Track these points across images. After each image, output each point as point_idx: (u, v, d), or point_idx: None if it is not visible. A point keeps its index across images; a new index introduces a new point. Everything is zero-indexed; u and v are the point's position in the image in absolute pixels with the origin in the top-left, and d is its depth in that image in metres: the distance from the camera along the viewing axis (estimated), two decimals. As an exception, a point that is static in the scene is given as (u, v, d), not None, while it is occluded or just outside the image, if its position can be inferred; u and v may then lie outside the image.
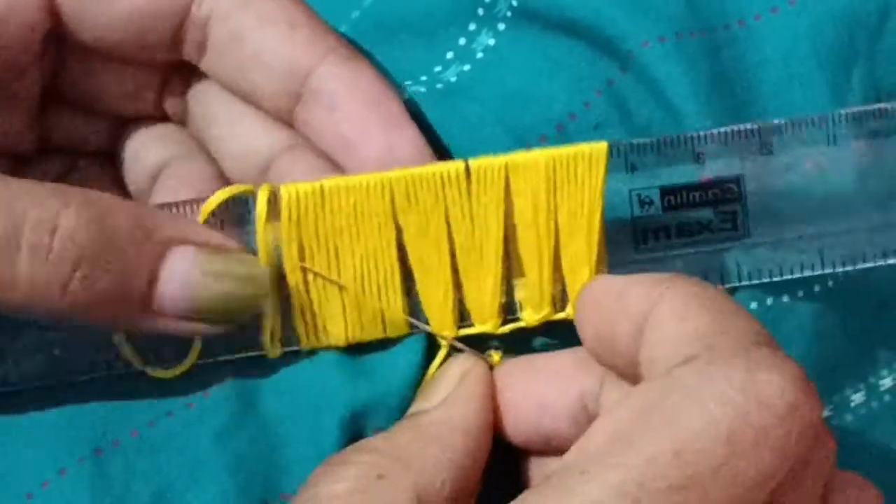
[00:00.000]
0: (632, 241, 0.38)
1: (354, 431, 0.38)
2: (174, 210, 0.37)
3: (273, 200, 0.37)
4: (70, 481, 0.37)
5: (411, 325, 0.38)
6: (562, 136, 0.39)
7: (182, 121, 0.40)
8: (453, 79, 0.41)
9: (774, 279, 0.38)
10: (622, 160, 0.37)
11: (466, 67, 0.41)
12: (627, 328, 0.34)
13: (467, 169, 0.37)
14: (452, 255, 0.38)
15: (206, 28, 0.38)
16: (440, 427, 0.36)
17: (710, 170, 0.37)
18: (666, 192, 0.38)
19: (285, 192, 0.37)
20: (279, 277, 0.38)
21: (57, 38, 0.38)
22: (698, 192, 0.37)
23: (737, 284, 0.38)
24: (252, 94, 0.39)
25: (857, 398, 0.43)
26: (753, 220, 0.38)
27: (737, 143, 0.37)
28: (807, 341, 0.41)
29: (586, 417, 0.36)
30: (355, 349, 0.39)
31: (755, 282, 0.38)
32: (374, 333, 0.38)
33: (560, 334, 0.39)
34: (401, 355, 0.38)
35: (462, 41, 0.41)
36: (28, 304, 0.35)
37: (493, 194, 0.37)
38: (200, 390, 0.38)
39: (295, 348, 0.38)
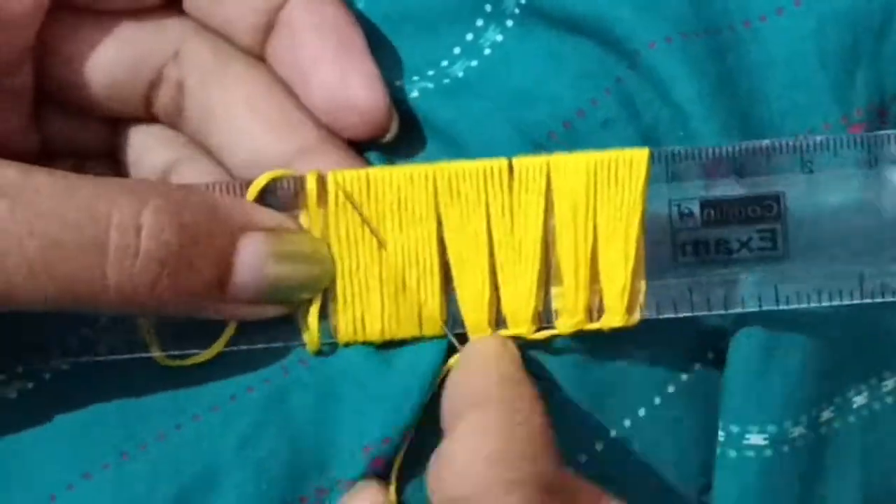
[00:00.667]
0: (671, 252, 0.38)
1: (384, 431, 0.38)
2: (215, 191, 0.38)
3: (318, 187, 0.38)
4: (94, 485, 0.37)
5: (446, 327, 0.39)
6: (570, 133, 0.40)
7: (172, 123, 0.41)
8: (460, 74, 0.42)
9: (813, 305, 0.38)
10: (664, 168, 0.38)
11: (474, 63, 0.42)
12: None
13: (510, 167, 0.38)
14: (491, 254, 0.38)
15: None
16: None
17: (751, 185, 0.38)
18: (706, 204, 0.38)
19: (332, 177, 0.38)
20: None
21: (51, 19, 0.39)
22: (738, 207, 0.38)
23: (774, 308, 0.38)
24: (226, 29, 0.40)
25: (860, 400, 0.42)
26: (793, 241, 0.38)
27: (778, 159, 0.38)
28: (813, 343, 0.40)
29: None
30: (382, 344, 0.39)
31: (795, 307, 0.38)
32: (410, 330, 0.39)
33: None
34: (426, 351, 0.38)
35: (469, 37, 0.42)
36: (114, 305, 0.35)
37: (534, 192, 0.38)
38: (226, 387, 0.39)
39: (331, 341, 0.39)
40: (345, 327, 0.38)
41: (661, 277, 0.38)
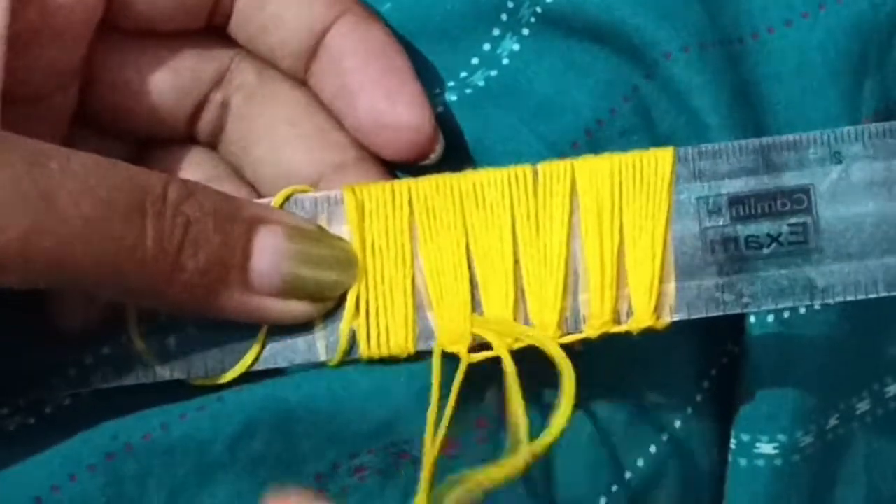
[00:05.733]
0: (700, 251, 0.37)
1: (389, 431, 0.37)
2: None
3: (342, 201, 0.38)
4: (81, 486, 0.36)
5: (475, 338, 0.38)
6: (591, 142, 0.40)
7: (212, 143, 0.41)
8: (481, 83, 0.41)
9: (849, 299, 0.37)
10: (689, 166, 0.37)
11: (493, 73, 0.42)
12: None
13: (535, 172, 0.38)
14: (516, 261, 0.37)
15: None
16: None
17: (780, 179, 0.37)
18: (734, 200, 0.37)
19: (358, 191, 0.38)
20: None
21: (101, 42, 0.39)
22: (767, 202, 0.37)
23: (808, 304, 0.37)
24: (270, 55, 0.40)
25: (863, 406, 0.42)
26: (825, 234, 0.37)
27: (806, 151, 0.37)
28: (820, 353, 0.40)
29: None
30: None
31: (829, 301, 0.37)
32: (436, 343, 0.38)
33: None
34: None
35: (486, 46, 0.42)
36: (147, 278, 0.35)
37: (559, 196, 0.37)
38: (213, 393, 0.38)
39: (353, 357, 0.38)
40: (367, 342, 0.38)
41: (691, 277, 0.37)
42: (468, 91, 0.41)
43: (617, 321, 0.37)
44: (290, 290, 0.37)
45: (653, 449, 0.41)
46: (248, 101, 0.40)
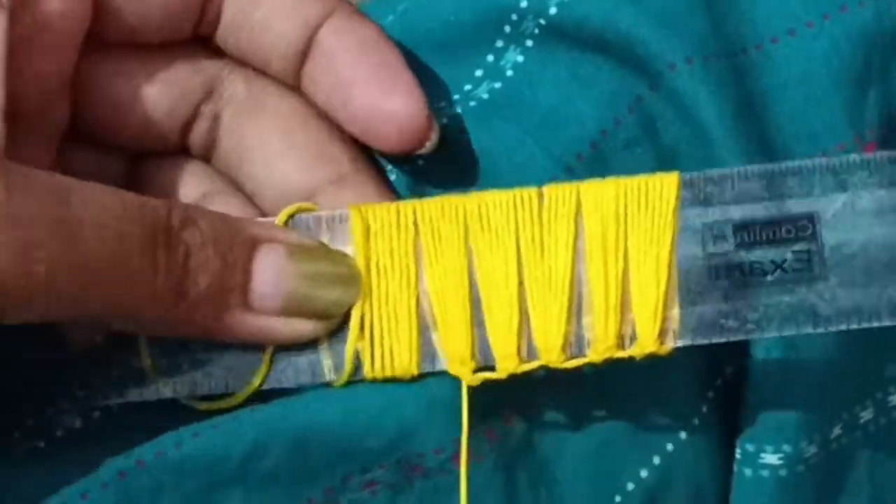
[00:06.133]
0: (704, 277, 0.37)
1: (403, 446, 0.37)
2: None
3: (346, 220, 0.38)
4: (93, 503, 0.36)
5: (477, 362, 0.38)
6: (596, 154, 0.40)
7: (206, 156, 0.41)
8: (485, 96, 0.41)
9: (853, 327, 0.37)
10: (695, 192, 0.37)
11: (497, 85, 0.42)
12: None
13: (540, 195, 0.38)
14: (521, 283, 0.37)
15: (221, 3, 0.39)
16: None
17: (785, 206, 0.37)
18: (739, 227, 0.37)
19: (363, 211, 0.38)
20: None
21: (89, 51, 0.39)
22: (772, 229, 0.37)
23: (811, 331, 0.37)
24: (261, 61, 0.40)
25: (866, 415, 0.42)
26: (829, 262, 0.37)
27: (812, 179, 0.37)
28: (825, 363, 0.40)
29: None
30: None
31: (832, 329, 0.37)
32: (440, 364, 0.38)
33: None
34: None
35: (490, 58, 0.42)
36: (159, 305, 0.35)
37: (564, 219, 0.37)
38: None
39: (358, 378, 0.38)
40: (371, 363, 0.38)
41: (695, 303, 0.37)
42: (472, 104, 0.41)
43: (621, 346, 0.37)
44: (293, 308, 0.37)
45: (657, 460, 0.41)
46: (238, 114, 0.40)
